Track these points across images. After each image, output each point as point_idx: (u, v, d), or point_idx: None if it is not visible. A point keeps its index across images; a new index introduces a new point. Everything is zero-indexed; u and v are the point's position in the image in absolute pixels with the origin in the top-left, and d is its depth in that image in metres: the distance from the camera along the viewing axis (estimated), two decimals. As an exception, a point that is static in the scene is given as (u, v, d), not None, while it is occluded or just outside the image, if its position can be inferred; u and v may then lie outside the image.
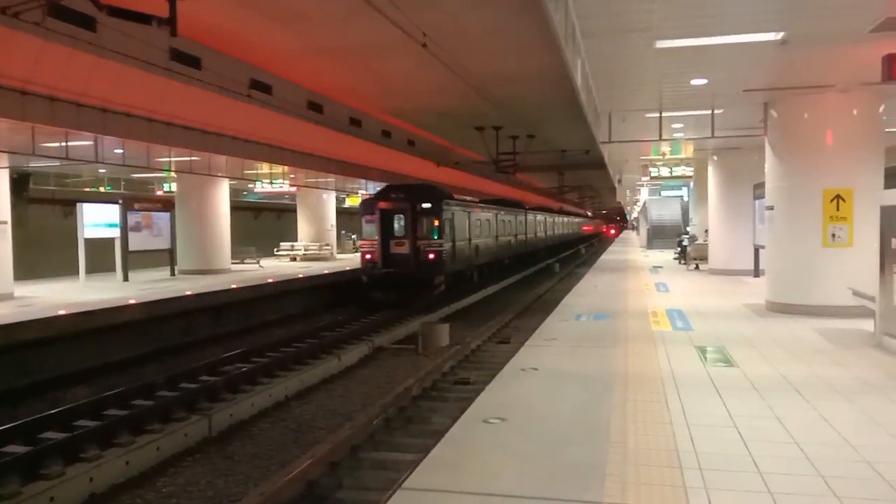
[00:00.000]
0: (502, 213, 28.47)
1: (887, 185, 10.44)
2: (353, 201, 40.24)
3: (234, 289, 16.32)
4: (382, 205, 19.94)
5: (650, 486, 4.04)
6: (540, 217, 38.63)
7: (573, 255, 47.75)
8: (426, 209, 19.77)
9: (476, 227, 23.84)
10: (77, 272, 17.83)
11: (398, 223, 19.94)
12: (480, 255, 24.41)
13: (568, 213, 55.13)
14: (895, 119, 13.77)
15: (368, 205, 20.43)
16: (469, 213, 23.13)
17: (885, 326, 8.17)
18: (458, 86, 13.17)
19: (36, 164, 21.33)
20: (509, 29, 10.84)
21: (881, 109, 11.16)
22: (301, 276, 19.69)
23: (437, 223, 19.79)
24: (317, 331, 14.47)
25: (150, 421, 8.18)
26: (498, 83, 13.94)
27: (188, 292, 15.05)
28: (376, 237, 19.82)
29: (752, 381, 6.65)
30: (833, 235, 10.74)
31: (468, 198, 24.95)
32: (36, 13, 8.45)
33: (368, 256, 19.90)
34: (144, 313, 13.29)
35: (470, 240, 22.87)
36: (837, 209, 10.70)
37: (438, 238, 19.78)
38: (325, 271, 21.37)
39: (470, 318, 18.07)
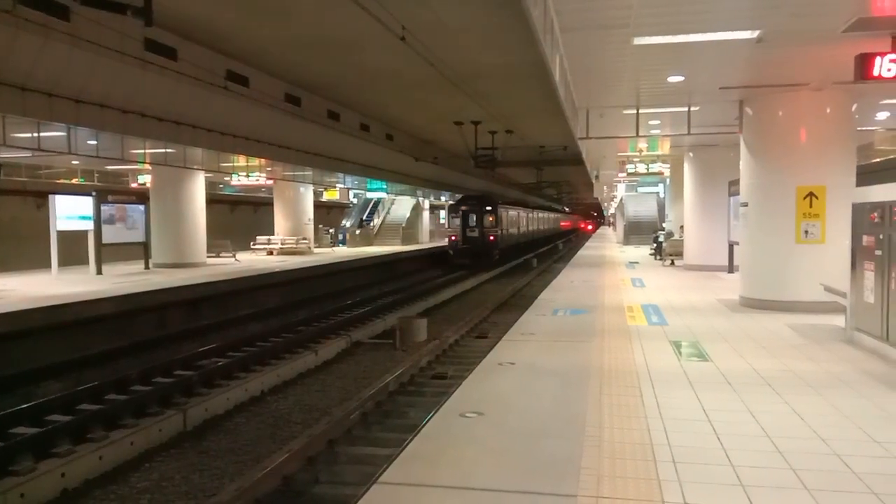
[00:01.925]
0: (521, 211, 41.51)
1: (859, 183, 10.60)
2: (331, 195, 40.11)
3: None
4: (462, 207, 32.29)
5: (625, 480, 4.08)
6: (541, 214, 53.02)
7: (551, 251, 48.13)
8: (488, 210, 32.02)
9: (511, 221, 36.67)
10: (49, 265, 17.56)
11: (471, 218, 31.94)
12: (513, 238, 37.11)
13: (557, 211, 70.42)
14: (867, 118, 14.02)
15: (454, 207, 32.91)
16: (508, 212, 35.58)
17: (856, 322, 8.31)
18: (436, 80, 13.17)
19: (7, 154, 20.97)
20: (488, 23, 10.86)
21: (853, 108, 11.33)
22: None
23: (492, 219, 31.96)
24: (294, 325, 14.40)
25: (124, 416, 8.10)
26: (476, 77, 13.97)
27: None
28: (458, 226, 31.92)
29: (725, 375, 6.73)
30: (806, 232, 10.89)
31: (500, 201, 35.67)
32: (6, 0, 8.30)
33: (453, 238, 32.04)
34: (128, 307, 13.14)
35: (508, 229, 35.50)
36: (810, 206, 10.85)
37: (495, 227, 31.97)
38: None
39: (448, 313, 18.10)
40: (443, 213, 48.93)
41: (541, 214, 52.32)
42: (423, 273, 29.04)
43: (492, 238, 31.59)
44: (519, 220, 39.85)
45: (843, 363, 7.24)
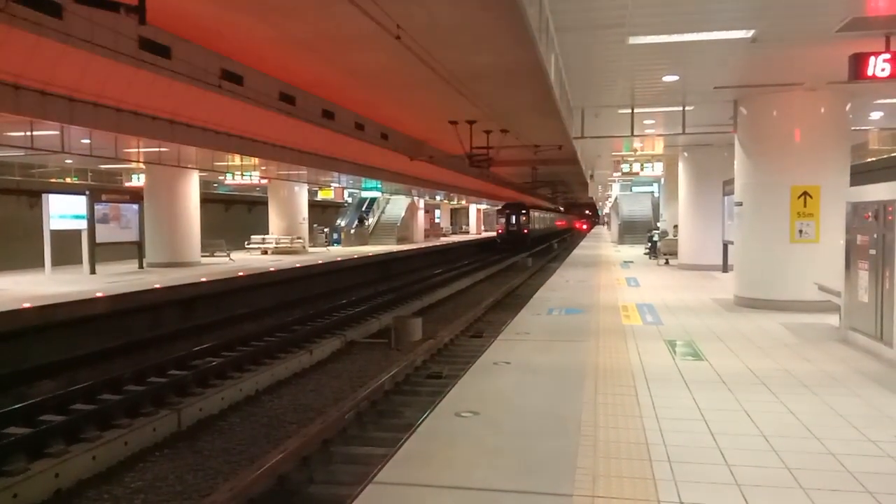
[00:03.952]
0: (540, 213, 57.19)
1: (853, 183, 10.63)
2: (325, 194, 40.04)
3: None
4: (507, 211, 46.88)
5: (620, 479, 4.08)
6: (552, 215, 71.08)
7: (546, 250, 48.38)
8: (523, 212, 46.49)
9: (535, 220, 50.66)
10: (42, 264, 17.49)
11: (513, 218, 46.54)
12: (536, 231, 51.21)
13: (562, 212, 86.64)
14: (861, 117, 14.07)
15: (501, 211, 47.63)
16: (533, 213, 49.20)
17: (850, 321, 8.33)
18: (431, 79, 13.13)
19: (0, 153, 20.85)
20: (483, 22, 10.83)
21: (847, 108, 11.36)
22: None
23: (525, 219, 46.47)
24: (288, 325, 14.37)
25: (118, 415, 8.06)
26: (472, 77, 13.92)
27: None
28: (503, 223, 46.81)
29: (720, 374, 6.74)
30: (800, 231, 10.91)
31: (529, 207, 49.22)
32: (-1, -2, 8.26)
33: (500, 231, 47.22)
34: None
35: (533, 225, 49.43)
36: (805, 206, 10.88)
37: (527, 224, 46.62)
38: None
39: (443, 313, 18.09)
40: (438, 212, 50.60)
41: (551, 215, 71.36)
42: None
43: (525, 231, 46.72)
44: (539, 219, 56.07)
45: (837, 362, 7.26)
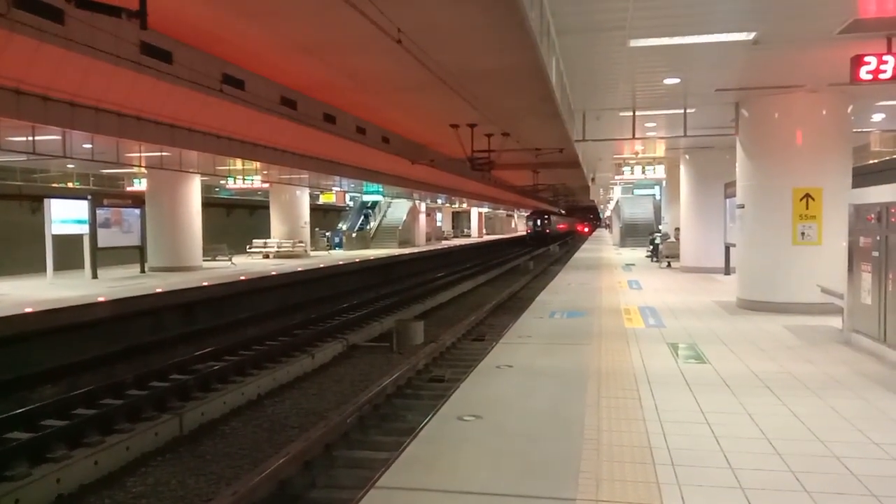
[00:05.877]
0: (555, 217, 70.05)
1: (855, 185, 10.61)
2: (327, 198, 40.08)
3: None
4: (533, 216, 66.09)
5: (623, 483, 4.06)
6: (562, 218, 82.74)
7: (546, 254, 48.44)
8: (545, 217, 65.59)
9: (552, 222, 66.83)
10: (44, 269, 17.50)
11: (538, 221, 65.39)
12: (554, 232, 66.47)
13: (568, 216, 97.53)
14: (863, 119, 14.06)
15: (529, 217, 67.52)
16: (551, 217, 66.39)
17: (853, 323, 8.31)
18: (432, 82, 13.14)
19: (1, 158, 20.89)
20: (484, 26, 10.84)
21: (849, 110, 11.35)
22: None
23: (546, 222, 65.36)
24: (290, 329, 14.36)
25: (120, 420, 8.05)
26: (473, 80, 13.94)
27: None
28: (531, 225, 65.96)
29: (723, 377, 6.72)
30: (802, 234, 10.89)
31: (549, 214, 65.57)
32: (1, 4, 8.28)
33: (528, 231, 66.69)
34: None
35: (551, 227, 66.04)
36: (807, 208, 10.86)
37: (550, 226, 65.76)
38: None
39: (445, 316, 18.08)
40: (440, 216, 51.07)
41: (562, 218, 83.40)
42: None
43: (547, 231, 63.28)
44: (555, 222, 69.54)
45: (840, 365, 7.24)
